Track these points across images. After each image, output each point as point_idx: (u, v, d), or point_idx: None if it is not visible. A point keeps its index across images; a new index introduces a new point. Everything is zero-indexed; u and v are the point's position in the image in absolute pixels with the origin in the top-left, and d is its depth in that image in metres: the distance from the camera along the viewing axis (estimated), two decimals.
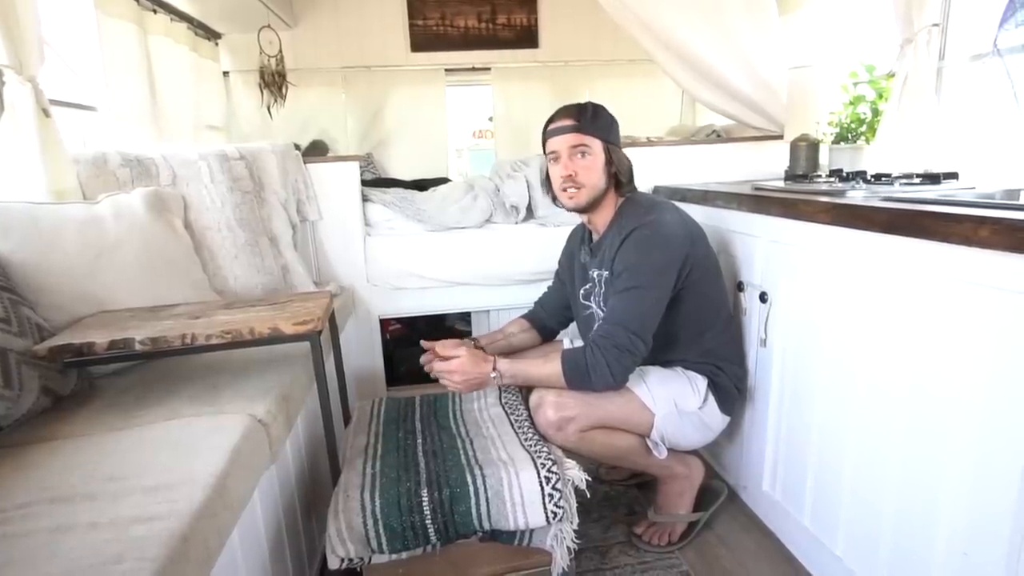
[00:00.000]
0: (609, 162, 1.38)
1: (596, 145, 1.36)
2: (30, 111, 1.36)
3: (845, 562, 1.19)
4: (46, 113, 1.40)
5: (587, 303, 1.49)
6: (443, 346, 1.36)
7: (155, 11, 2.38)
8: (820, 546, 1.27)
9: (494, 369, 1.31)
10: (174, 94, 2.48)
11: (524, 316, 1.69)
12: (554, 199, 1.49)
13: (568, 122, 1.36)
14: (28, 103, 1.36)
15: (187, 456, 0.92)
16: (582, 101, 1.42)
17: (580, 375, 1.27)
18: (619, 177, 1.40)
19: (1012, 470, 0.82)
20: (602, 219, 1.44)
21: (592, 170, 1.36)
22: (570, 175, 1.36)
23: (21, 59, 1.34)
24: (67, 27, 2.04)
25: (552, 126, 1.39)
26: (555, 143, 1.38)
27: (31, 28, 1.35)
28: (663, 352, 1.40)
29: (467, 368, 1.30)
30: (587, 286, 1.49)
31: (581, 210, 1.42)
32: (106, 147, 1.62)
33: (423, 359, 1.39)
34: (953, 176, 1.36)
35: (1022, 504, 0.81)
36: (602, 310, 1.43)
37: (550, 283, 1.72)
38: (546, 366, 1.32)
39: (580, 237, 1.57)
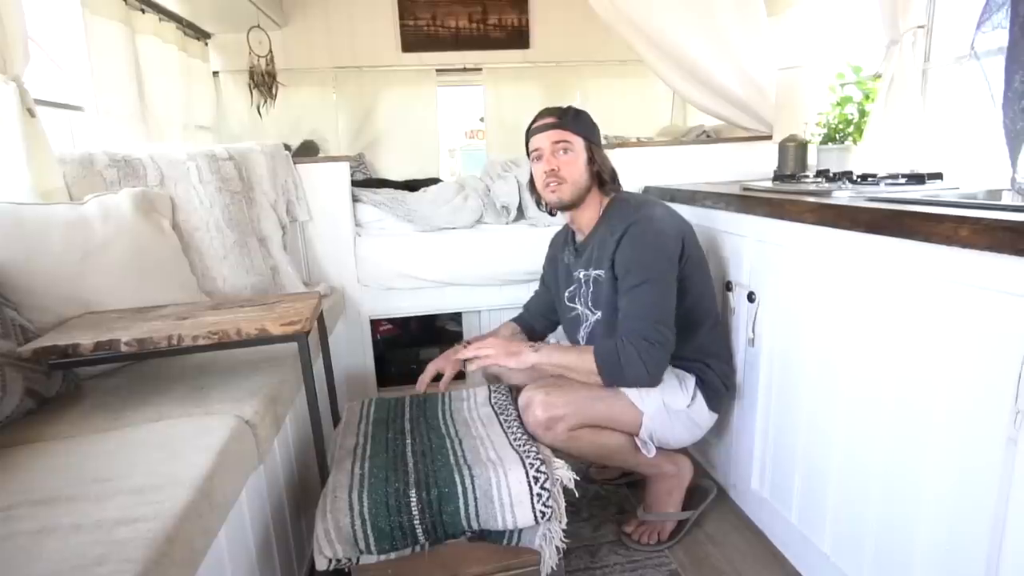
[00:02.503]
0: (591, 160, 1.40)
1: (578, 142, 1.39)
2: (14, 111, 1.35)
3: (832, 559, 1.20)
4: (31, 113, 1.39)
5: (572, 305, 1.50)
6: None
7: (143, 10, 2.37)
8: (808, 543, 1.28)
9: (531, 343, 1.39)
10: (163, 94, 2.47)
11: (514, 320, 1.71)
12: (538, 201, 1.50)
13: (550, 120, 1.39)
14: (12, 103, 1.34)
15: (173, 457, 0.92)
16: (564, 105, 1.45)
17: (614, 368, 1.27)
18: (602, 175, 1.42)
19: (992, 466, 0.83)
20: (586, 218, 1.46)
21: (574, 166, 1.39)
22: (553, 169, 1.38)
23: (5, 58, 1.33)
24: (54, 26, 2.02)
25: (535, 125, 1.42)
26: (538, 140, 1.40)
27: (15, 26, 1.34)
28: None
29: (502, 341, 1.42)
30: (571, 288, 1.50)
31: (565, 207, 1.43)
32: (93, 147, 1.61)
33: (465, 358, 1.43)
34: (938, 176, 1.37)
35: (1002, 499, 0.82)
36: (591, 310, 1.44)
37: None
38: (580, 358, 1.32)
39: (563, 240, 1.59)
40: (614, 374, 1.28)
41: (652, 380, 1.30)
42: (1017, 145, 0.94)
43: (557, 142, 1.38)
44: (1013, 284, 0.78)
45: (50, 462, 0.93)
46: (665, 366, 1.31)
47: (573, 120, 1.39)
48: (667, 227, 1.36)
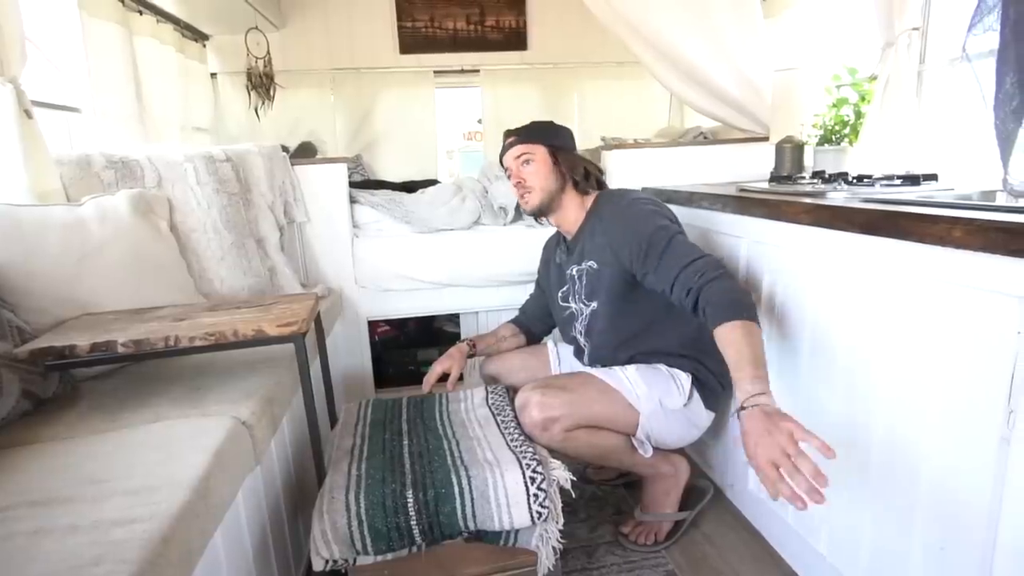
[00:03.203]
0: (556, 163, 1.46)
1: (538, 150, 1.46)
2: (11, 112, 1.35)
3: (828, 559, 1.21)
4: (28, 114, 1.39)
5: (566, 304, 1.53)
6: None
7: (140, 12, 2.36)
8: (804, 544, 1.28)
9: (756, 395, 1.08)
10: (161, 95, 2.47)
11: (512, 321, 1.75)
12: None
13: (511, 139, 1.49)
14: (9, 104, 1.34)
15: (170, 458, 0.92)
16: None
17: (737, 306, 1.15)
18: (572, 175, 1.46)
19: (986, 466, 0.83)
20: (571, 218, 1.49)
21: (537, 173, 1.45)
22: (519, 181, 1.46)
23: (2, 59, 1.33)
24: (51, 28, 2.02)
25: (501, 148, 1.51)
26: (506, 161, 1.50)
27: (13, 27, 1.34)
28: (644, 341, 1.42)
29: (759, 431, 1.02)
30: (564, 288, 1.52)
31: (540, 212, 1.49)
32: (90, 149, 1.61)
33: None
34: (933, 177, 1.38)
35: (996, 498, 0.83)
36: (584, 303, 1.46)
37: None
38: (746, 331, 1.12)
39: (555, 243, 1.62)
40: (745, 308, 1.15)
41: (747, 292, 1.24)
42: (1008, 146, 0.95)
43: (519, 156, 1.46)
44: (1006, 284, 0.79)
45: (47, 463, 0.93)
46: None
47: (530, 132, 1.47)
48: (651, 199, 1.44)
